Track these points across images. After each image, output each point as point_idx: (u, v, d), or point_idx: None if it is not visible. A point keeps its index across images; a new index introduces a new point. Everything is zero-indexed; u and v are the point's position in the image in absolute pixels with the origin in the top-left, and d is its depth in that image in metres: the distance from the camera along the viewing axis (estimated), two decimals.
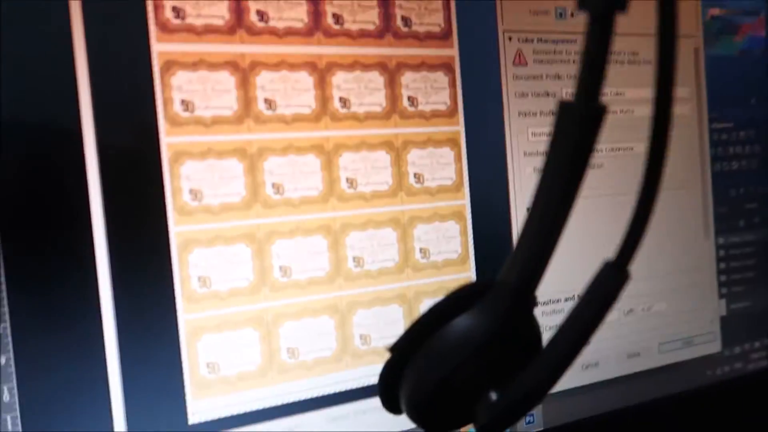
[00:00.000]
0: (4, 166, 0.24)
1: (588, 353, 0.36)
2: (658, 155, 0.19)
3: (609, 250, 0.38)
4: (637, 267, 0.40)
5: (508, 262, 0.21)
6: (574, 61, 0.35)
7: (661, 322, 0.39)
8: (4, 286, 0.24)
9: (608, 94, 0.37)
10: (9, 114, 0.24)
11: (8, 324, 0.24)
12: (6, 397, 0.24)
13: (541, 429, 0.35)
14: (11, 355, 0.24)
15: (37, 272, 0.25)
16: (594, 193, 0.36)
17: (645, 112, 0.38)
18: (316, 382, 0.30)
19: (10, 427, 0.24)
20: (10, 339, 0.24)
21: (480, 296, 0.22)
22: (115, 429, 0.26)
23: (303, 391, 0.29)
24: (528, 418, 0.35)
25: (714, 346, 0.40)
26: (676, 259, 0.39)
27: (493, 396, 0.22)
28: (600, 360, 0.37)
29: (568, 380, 0.36)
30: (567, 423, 0.36)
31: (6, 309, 0.24)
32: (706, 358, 0.40)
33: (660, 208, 0.43)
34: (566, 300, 0.35)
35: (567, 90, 0.35)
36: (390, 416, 0.23)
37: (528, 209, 0.21)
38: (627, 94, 0.37)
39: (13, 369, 0.24)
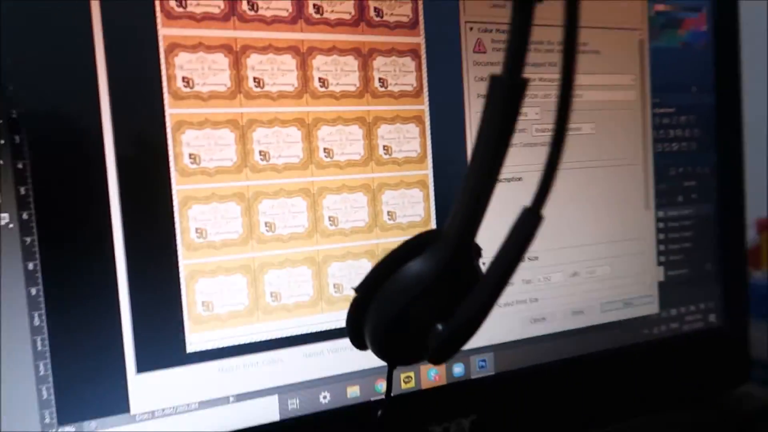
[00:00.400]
0: (39, 127, 0.30)
1: (536, 309, 0.43)
2: (562, 122, 0.24)
3: (557, 214, 0.46)
4: (583, 235, 0.48)
5: (450, 214, 0.27)
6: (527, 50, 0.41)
7: (604, 285, 0.45)
8: (36, 236, 0.30)
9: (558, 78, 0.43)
10: (42, 90, 0.30)
11: (39, 264, 0.30)
12: (36, 321, 0.30)
13: (492, 373, 0.42)
14: (41, 288, 0.30)
15: (64, 224, 0.31)
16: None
17: (593, 96, 0.44)
18: (295, 322, 0.36)
19: (39, 347, 0.30)
20: (40, 276, 0.30)
21: (429, 244, 0.28)
22: (126, 354, 0.32)
23: (283, 329, 0.36)
24: (480, 363, 0.41)
25: (652, 308, 0.47)
26: (619, 229, 0.46)
27: (439, 327, 0.28)
28: (547, 315, 0.43)
29: (518, 332, 0.43)
30: (515, 369, 0.42)
31: (37, 249, 0.30)
32: (644, 318, 0.47)
33: (606, 182, 0.50)
34: None
35: None
36: (358, 353, 0.29)
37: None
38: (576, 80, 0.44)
39: (42, 299, 0.30)
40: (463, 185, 0.27)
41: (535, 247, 0.41)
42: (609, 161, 0.45)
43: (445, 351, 0.28)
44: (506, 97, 0.25)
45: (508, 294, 0.42)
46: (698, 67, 0.48)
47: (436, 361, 0.29)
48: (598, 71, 0.44)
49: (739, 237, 0.50)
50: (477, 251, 0.29)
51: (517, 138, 0.40)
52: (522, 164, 0.42)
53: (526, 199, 0.37)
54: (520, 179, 0.42)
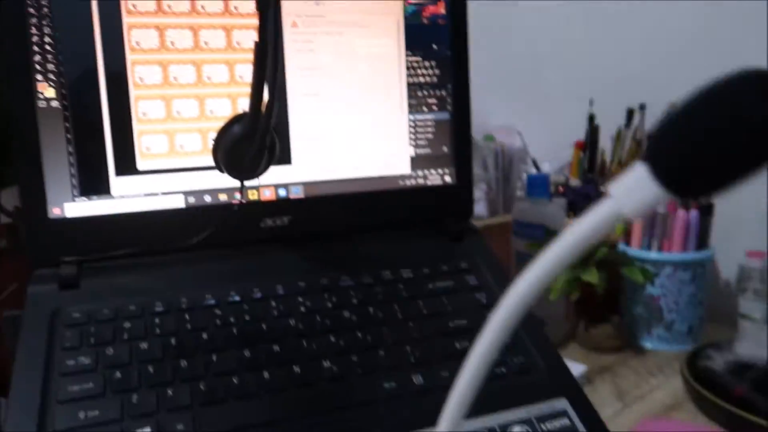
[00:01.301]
0: (72, 68, 0.72)
1: (329, 164, 0.84)
2: (260, 68, 0.65)
3: (346, 114, 0.82)
4: (362, 126, 0.97)
5: (248, 107, 0.68)
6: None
7: (376, 154, 0.85)
8: (70, 111, 0.72)
9: (334, 42, 0.83)
10: (74, 52, 0.72)
11: (70, 119, 0.72)
12: (70, 150, 0.72)
13: (302, 196, 0.83)
14: (72, 132, 0.72)
15: (81, 103, 0.72)
16: (336, 92, 0.82)
17: (365, 50, 0.83)
18: (192, 160, 0.77)
19: (72, 162, 0.73)
20: (71, 126, 0.72)
21: (242, 118, 0.69)
22: (109, 167, 0.74)
23: (187, 164, 0.77)
24: (295, 190, 0.82)
25: (406, 169, 0.87)
26: (387, 126, 0.85)
27: (249, 157, 0.70)
28: (335, 169, 0.84)
29: (317, 176, 0.84)
30: (315, 195, 0.83)
31: (70, 115, 0.72)
32: (401, 175, 0.87)
33: (378, 98, 0.96)
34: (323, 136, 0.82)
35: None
36: (223, 176, 0.71)
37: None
38: (358, 45, 0.83)
39: (72, 138, 0.72)
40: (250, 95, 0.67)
41: (330, 133, 0.83)
42: (378, 86, 0.85)
43: (253, 169, 0.70)
44: (259, 51, 0.65)
45: (314, 156, 0.82)
46: (438, 33, 0.87)
47: (254, 176, 0.71)
48: (369, 37, 0.84)
49: (465, 134, 0.89)
50: (263, 120, 0.70)
51: (316, 72, 0.81)
52: (318, 86, 0.82)
53: (321, 108, 0.82)
54: (317, 94, 0.82)
